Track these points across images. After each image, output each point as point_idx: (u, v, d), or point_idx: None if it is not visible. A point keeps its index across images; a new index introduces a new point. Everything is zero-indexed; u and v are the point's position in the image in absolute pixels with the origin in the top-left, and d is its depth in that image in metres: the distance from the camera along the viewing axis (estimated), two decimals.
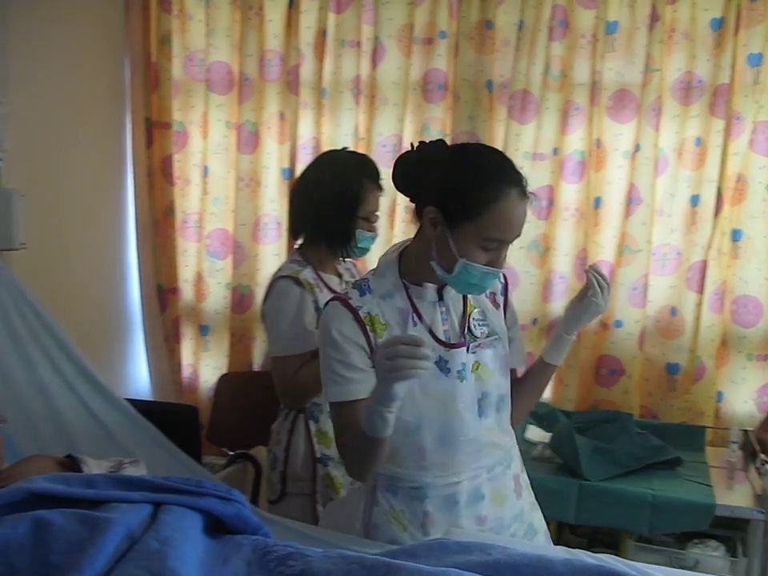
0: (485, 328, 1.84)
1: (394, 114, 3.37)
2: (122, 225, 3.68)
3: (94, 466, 1.69)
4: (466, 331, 1.82)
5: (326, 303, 1.83)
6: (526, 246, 3.29)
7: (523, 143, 3.25)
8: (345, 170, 2.33)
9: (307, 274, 2.31)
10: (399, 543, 1.79)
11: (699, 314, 3.18)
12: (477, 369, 1.82)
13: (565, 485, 2.66)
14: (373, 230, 2.37)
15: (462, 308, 1.84)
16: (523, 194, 1.68)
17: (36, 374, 2.08)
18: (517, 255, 3.27)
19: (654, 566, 1.65)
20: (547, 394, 3.40)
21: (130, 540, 1.30)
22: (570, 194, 3.29)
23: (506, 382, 1.88)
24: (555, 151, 3.26)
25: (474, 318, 1.84)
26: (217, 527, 1.48)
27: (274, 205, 3.54)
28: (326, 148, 3.40)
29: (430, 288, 1.67)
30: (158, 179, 3.62)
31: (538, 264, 3.31)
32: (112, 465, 1.72)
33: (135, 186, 3.67)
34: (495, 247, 1.68)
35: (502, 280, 1.95)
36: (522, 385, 1.97)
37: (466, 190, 1.66)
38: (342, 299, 1.78)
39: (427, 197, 1.71)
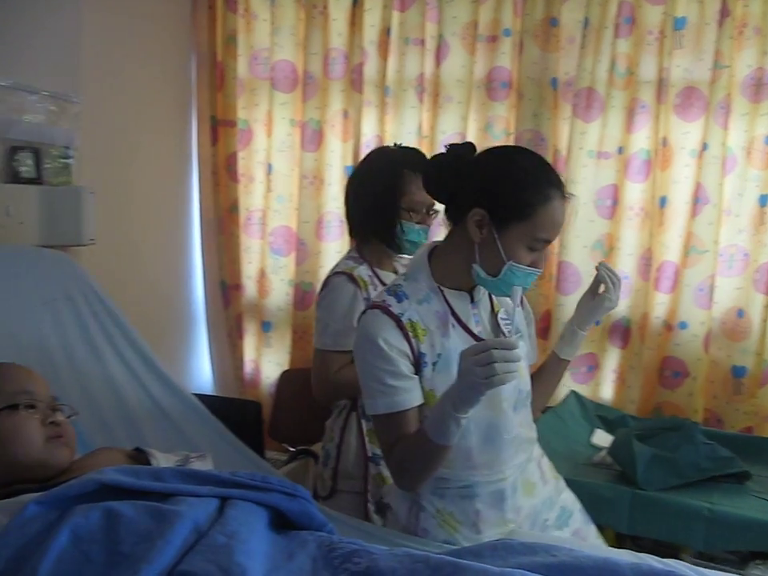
0: (510, 327, 1.79)
1: (458, 112, 3.36)
2: (186, 221, 3.74)
3: (162, 460, 1.72)
4: (497, 330, 1.84)
5: (363, 312, 1.80)
6: (590, 246, 3.26)
7: (588, 141, 3.21)
8: (386, 163, 2.30)
9: (362, 271, 2.28)
10: (452, 544, 1.77)
11: (767, 317, 3.11)
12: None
13: (617, 493, 2.55)
14: (423, 221, 2.28)
15: (489, 308, 1.86)
16: (564, 195, 1.69)
17: (105, 367, 2.12)
18: (581, 254, 3.25)
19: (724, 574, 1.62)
20: (609, 395, 3.38)
21: (197, 533, 1.32)
22: (635, 193, 3.24)
23: (529, 378, 1.90)
24: (620, 150, 3.22)
25: (501, 318, 1.86)
26: (282, 523, 1.49)
27: (337, 203, 3.55)
28: None
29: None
30: (222, 177, 3.67)
31: None
32: (179, 459, 1.74)
33: (200, 184, 3.74)
34: (540, 248, 1.69)
35: None
36: (538, 382, 1.98)
37: (516, 192, 1.66)
38: (382, 307, 1.75)
39: (468, 199, 1.70)
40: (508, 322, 1.86)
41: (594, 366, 3.37)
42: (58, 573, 1.22)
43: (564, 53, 3.26)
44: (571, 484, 2.06)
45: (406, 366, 1.72)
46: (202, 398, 2.37)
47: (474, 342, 1.73)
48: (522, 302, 1.95)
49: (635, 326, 3.30)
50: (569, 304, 3.25)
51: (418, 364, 1.74)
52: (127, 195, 3.24)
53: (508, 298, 1.86)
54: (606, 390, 3.39)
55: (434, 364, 1.74)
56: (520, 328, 1.90)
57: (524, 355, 1.86)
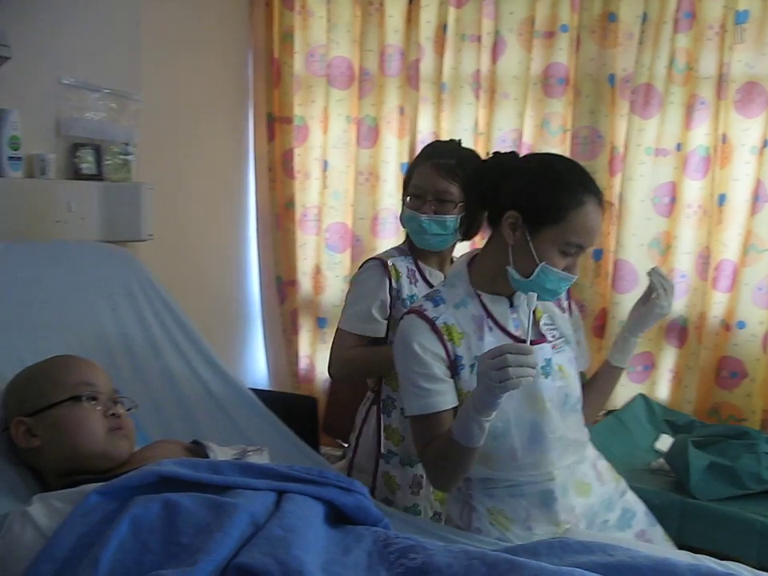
0: (555, 332, 1.86)
1: (514, 108, 3.34)
2: (243, 218, 3.78)
3: (219, 453, 1.73)
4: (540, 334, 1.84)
5: (401, 317, 1.85)
6: (647, 244, 3.23)
7: (646, 138, 3.17)
8: (415, 158, 2.29)
9: (401, 262, 2.24)
10: (505, 542, 1.78)
11: None
12: (559, 369, 1.84)
13: (667, 500, 2.48)
14: (418, 207, 2.16)
15: (532, 313, 1.81)
16: (600, 204, 1.70)
17: (163, 361, 2.14)
18: (637, 253, 3.21)
19: None
20: (665, 395, 3.33)
21: (254, 526, 1.33)
22: (693, 190, 3.20)
23: (578, 384, 1.89)
24: (679, 147, 3.18)
25: (543, 324, 1.86)
26: (337, 517, 1.49)
27: (392, 199, 3.56)
28: None
29: (533, 297, 1.66)
30: (278, 173, 3.70)
31: (659, 262, 3.23)
32: (236, 452, 1.76)
33: (256, 180, 3.78)
34: (573, 253, 1.69)
35: None
36: (591, 389, 1.98)
37: (550, 194, 1.68)
38: (417, 311, 1.79)
39: (504, 202, 1.73)
40: (552, 326, 1.88)
41: (650, 365, 3.33)
42: (118, 561, 1.24)
43: (622, 48, 3.22)
44: None
45: (440, 370, 1.75)
46: (259, 392, 2.39)
47: (518, 341, 1.75)
48: (570, 307, 1.97)
49: (692, 326, 3.25)
50: (625, 302, 3.22)
51: (454, 367, 1.77)
52: (184, 191, 3.28)
53: (552, 304, 1.90)
54: (662, 390, 3.34)
55: (472, 366, 1.76)
56: (565, 333, 1.89)
57: (568, 360, 1.87)
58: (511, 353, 1.51)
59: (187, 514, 1.32)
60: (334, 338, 2.26)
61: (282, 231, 3.73)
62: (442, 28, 3.40)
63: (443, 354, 1.76)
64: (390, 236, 3.60)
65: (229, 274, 3.73)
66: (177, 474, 1.42)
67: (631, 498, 2.01)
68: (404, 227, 2.26)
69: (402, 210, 2.24)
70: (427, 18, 3.43)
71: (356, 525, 1.48)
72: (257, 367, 3.87)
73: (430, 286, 2.23)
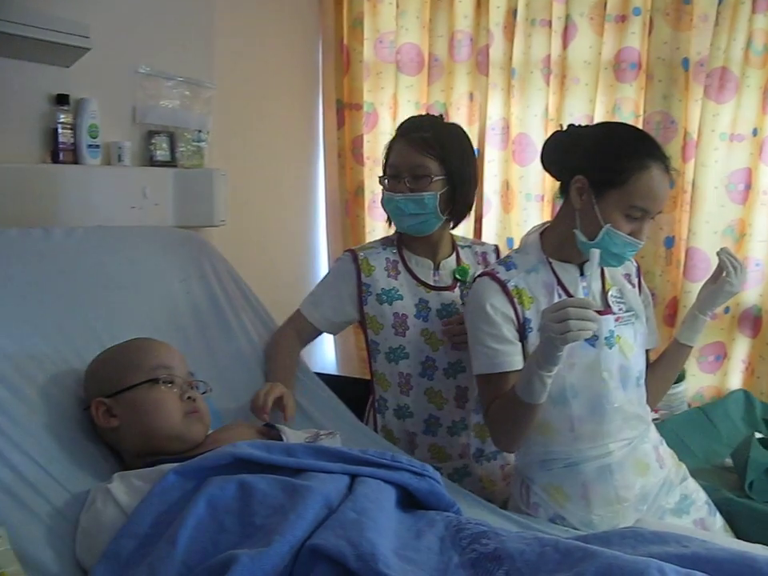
0: (622, 305, 1.92)
1: (585, 94, 3.29)
2: (312, 204, 3.81)
3: (292, 436, 1.75)
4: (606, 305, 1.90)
5: (474, 279, 1.93)
6: (721, 231, 3.16)
7: (720, 124, 3.10)
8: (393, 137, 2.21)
9: (378, 254, 2.19)
10: (562, 518, 1.88)
11: None
12: (618, 341, 1.88)
13: (716, 496, 2.31)
14: (395, 189, 2.09)
15: (600, 285, 1.92)
16: (666, 170, 1.76)
17: (236, 343, 2.16)
18: (711, 240, 3.14)
19: None
20: (736, 386, 3.26)
21: (328, 509, 1.34)
22: None
23: (642, 359, 1.95)
24: (755, 132, 3.10)
25: (611, 295, 1.92)
26: (410, 502, 1.50)
27: None
28: (515, 129, 3.40)
29: (595, 253, 1.69)
30: (348, 159, 3.70)
31: (732, 250, 3.15)
32: (309, 436, 1.77)
33: (326, 166, 3.79)
34: (639, 217, 1.76)
35: (636, 264, 2.05)
36: (658, 367, 2.03)
37: (615, 158, 1.75)
38: (490, 274, 1.88)
39: (573, 168, 1.81)
40: (621, 300, 1.93)
41: (722, 355, 3.27)
42: (195, 540, 1.27)
43: (696, 31, 3.14)
44: None
45: (509, 331, 1.84)
46: (325, 377, 2.41)
47: None
48: (640, 284, 2.03)
49: (766, 315, 3.18)
50: (697, 291, 3.14)
51: (522, 330, 1.85)
52: (256, 178, 3.31)
53: (622, 278, 1.96)
54: (734, 381, 3.28)
55: (531, 331, 1.85)
56: (635, 307, 1.94)
57: (634, 334, 1.92)
58: (573, 306, 1.57)
59: (262, 496, 1.34)
60: (291, 314, 2.28)
61: (351, 217, 3.74)
62: (512, 13, 3.36)
63: (513, 315, 1.84)
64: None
65: (298, 260, 3.76)
66: (251, 455, 1.45)
67: (692, 485, 2.01)
68: (385, 212, 2.19)
69: (382, 194, 2.15)
70: (497, 3, 3.39)
71: (428, 510, 1.49)
72: (326, 352, 3.90)
73: (413, 276, 2.19)
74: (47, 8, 2.12)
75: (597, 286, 1.92)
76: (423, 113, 3.52)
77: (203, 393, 1.73)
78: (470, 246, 2.31)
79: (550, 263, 1.89)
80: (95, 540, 1.37)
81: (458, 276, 2.20)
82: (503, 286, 1.85)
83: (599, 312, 1.80)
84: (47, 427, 1.57)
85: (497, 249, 2.37)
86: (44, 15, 2.07)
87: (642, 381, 1.96)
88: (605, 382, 1.85)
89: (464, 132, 2.20)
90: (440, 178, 2.07)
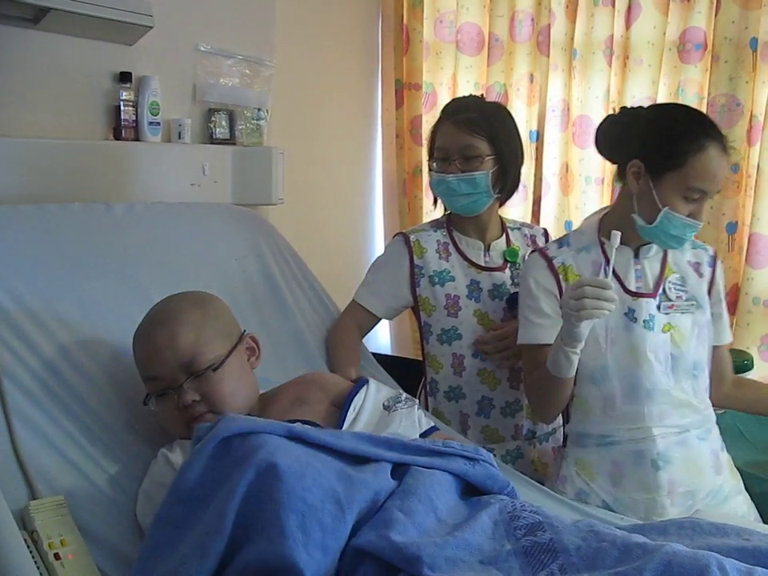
0: (682, 293, 1.90)
1: (648, 75, 3.22)
2: (370, 184, 3.81)
3: (374, 389, 1.67)
4: (660, 291, 1.88)
5: (528, 255, 2.00)
6: None
7: None
8: (437, 120, 2.22)
9: (429, 236, 2.21)
10: (585, 495, 1.90)
11: None
12: (669, 330, 1.86)
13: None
14: (444, 169, 2.11)
15: (659, 270, 1.91)
16: (724, 149, 1.76)
17: (291, 321, 2.17)
18: None
19: None
20: None
21: (373, 503, 1.31)
22: None
23: (703, 351, 1.91)
24: None
25: (670, 282, 1.90)
26: (465, 486, 1.47)
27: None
28: (575, 111, 3.35)
29: (616, 235, 1.72)
30: (406, 140, 3.69)
31: None
32: (392, 396, 1.68)
33: (384, 146, 3.79)
34: (697, 198, 1.76)
35: (711, 253, 2.00)
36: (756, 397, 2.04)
37: (671, 141, 1.75)
38: (540, 250, 1.96)
39: (629, 153, 1.82)
40: (682, 288, 1.91)
41: None
42: (243, 514, 1.23)
43: (766, 10, 3.03)
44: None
45: (548, 306, 1.90)
46: (381, 357, 2.42)
47: (624, 294, 1.86)
48: (713, 278, 1.97)
49: None
50: (759, 278, 3.09)
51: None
52: (314, 157, 3.32)
53: (689, 266, 1.95)
54: None
55: None
56: (696, 297, 1.92)
57: (691, 324, 1.90)
58: (590, 285, 1.64)
59: (316, 473, 1.30)
60: (346, 307, 2.28)
61: (408, 198, 3.72)
62: None
63: (556, 291, 1.90)
64: (518, 204, 3.53)
65: (355, 240, 3.76)
66: (306, 434, 1.41)
67: (741, 500, 1.95)
68: (434, 195, 2.21)
69: (430, 177, 2.18)
70: None
71: (483, 494, 1.46)
72: (381, 332, 3.90)
73: (464, 257, 2.20)
74: None
75: (653, 268, 1.91)
76: (481, 93, 3.49)
77: (210, 369, 1.55)
78: (519, 228, 2.33)
79: (602, 244, 1.90)
80: (153, 501, 1.40)
81: (507, 257, 2.21)
82: (549, 261, 1.91)
83: (640, 294, 1.87)
84: (107, 402, 1.60)
85: (546, 232, 2.40)
86: None
87: (702, 373, 1.92)
88: (648, 363, 1.84)
89: (507, 111, 2.25)
90: (490, 156, 2.11)
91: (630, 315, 1.86)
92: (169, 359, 1.52)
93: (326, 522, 1.22)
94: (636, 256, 1.89)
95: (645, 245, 1.89)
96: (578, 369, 1.78)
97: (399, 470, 1.41)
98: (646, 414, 1.84)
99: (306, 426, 1.46)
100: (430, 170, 2.19)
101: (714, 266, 1.98)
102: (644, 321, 1.85)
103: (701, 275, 1.95)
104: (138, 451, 1.57)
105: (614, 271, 1.82)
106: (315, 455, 1.35)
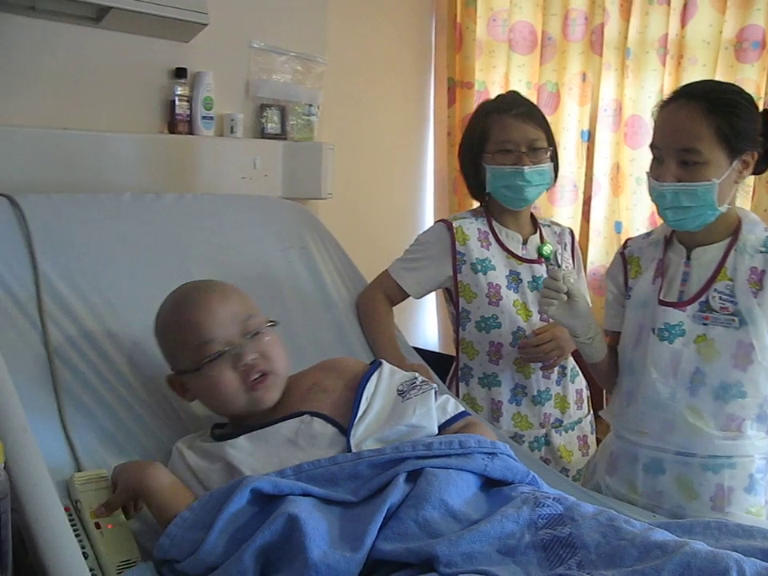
0: (729, 304, 1.74)
1: (703, 75, 3.18)
2: (420, 182, 3.83)
3: (388, 374, 1.67)
4: (702, 298, 1.77)
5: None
6: None
7: None
8: (475, 114, 2.28)
9: (471, 224, 2.23)
10: (578, 473, 2.14)
11: None
12: (700, 341, 1.76)
13: None
14: (510, 161, 2.14)
15: (711, 274, 1.78)
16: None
17: (334, 312, 2.20)
18: None
19: None
20: None
21: (389, 510, 1.31)
22: None
23: (739, 373, 1.74)
24: None
25: (717, 290, 1.76)
26: (485, 480, 1.46)
27: (572, 167, 3.49)
28: (627, 111, 3.33)
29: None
30: (457, 138, 3.66)
31: None
32: (407, 380, 1.67)
33: (435, 144, 3.81)
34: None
35: None
36: None
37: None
38: (626, 240, 2.02)
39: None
40: (730, 298, 1.74)
41: None
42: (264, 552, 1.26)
43: None
44: None
45: (612, 294, 1.97)
46: (425, 353, 2.45)
47: (657, 296, 1.83)
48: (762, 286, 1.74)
49: None
50: None
51: (624, 294, 1.94)
52: (364, 153, 3.36)
53: (750, 275, 1.75)
54: None
55: (635, 301, 1.90)
56: (743, 312, 1.73)
57: (729, 339, 1.74)
58: (548, 279, 1.83)
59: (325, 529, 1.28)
60: (377, 277, 2.30)
61: (459, 195, 3.73)
62: None
63: (622, 281, 1.94)
64: (569, 204, 3.54)
65: (404, 237, 3.74)
66: (313, 492, 1.36)
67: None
68: (491, 189, 2.21)
69: (485, 171, 2.19)
70: None
71: (503, 486, 1.44)
72: (428, 329, 3.92)
73: (504, 248, 2.24)
74: None
75: (704, 272, 1.78)
76: (535, 92, 3.51)
77: (269, 325, 1.60)
78: (549, 226, 2.37)
79: (666, 240, 1.86)
80: None
81: (542, 253, 2.20)
82: (623, 250, 1.97)
83: (665, 303, 1.81)
84: (144, 379, 1.68)
85: (571, 232, 2.43)
86: None
87: (728, 395, 1.75)
88: (648, 374, 1.80)
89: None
90: (551, 149, 2.20)
91: (651, 321, 1.82)
92: (226, 319, 1.53)
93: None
94: (688, 258, 1.82)
95: (700, 246, 1.80)
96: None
97: (413, 473, 1.40)
98: (639, 420, 1.84)
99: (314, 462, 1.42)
100: (475, 160, 2.22)
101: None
102: (659, 330, 1.80)
103: (761, 287, 1.73)
104: (171, 429, 1.65)
105: (663, 276, 1.82)
106: (323, 515, 1.32)
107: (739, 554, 1.17)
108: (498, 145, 2.17)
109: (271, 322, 1.61)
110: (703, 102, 1.68)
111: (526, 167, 2.13)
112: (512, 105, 2.20)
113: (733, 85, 1.88)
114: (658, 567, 1.14)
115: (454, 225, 2.23)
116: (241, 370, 1.52)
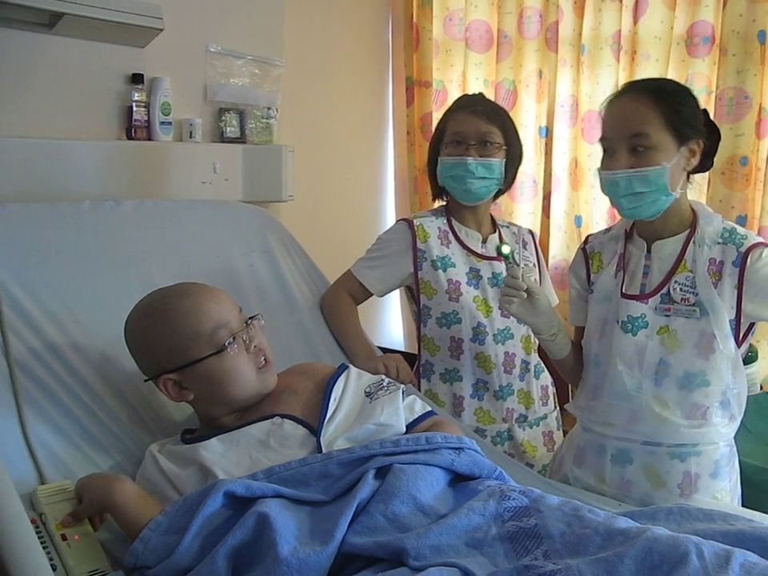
0: (690, 296, 1.78)
1: (656, 70, 3.23)
2: (381, 181, 3.86)
3: (355, 377, 1.71)
4: (663, 290, 1.81)
5: None
6: None
7: None
8: (445, 111, 2.32)
9: (431, 222, 2.28)
10: (547, 464, 2.16)
11: None
12: (663, 333, 1.80)
13: (762, 477, 2.30)
14: (458, 153, 2.19)
15: (670, 267, 1.82)
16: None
17: (297, 315, 2.21)
18: None
19: None
20: None
21: (358, 506, 1.33)
22: None
23: (702, 362, 1.78)
24: None
25: (677, 281, 1.80)
26: (453, 475, 1.48)
27: (531, 163, 3.52)
28: (584, 106, 3.37)
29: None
30: (417, 137, 3.73)
31: None
32: (374, 382, 1.71)
33: (395, 144, 3.83)
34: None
35: (742, 249, 1.76)
36: None
37: None
38: (587, 236, 2.05)
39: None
40: (690, 290, 1.78)
41: None
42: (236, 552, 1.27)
43: None
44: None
45: (575, 290, 2.00)
46: (388, 351, 2.45)
47: (620, 290, 1.86)
48: (741, 277, 1.76)
49: None
50: None
51: (587, 289, 1.97)
52: (324, 154, 3.37)
53: (710, 266, 1.78)
54: None
55: (591, 293, 1.94)
56: (704, 302, 1.76)
57: (690, 330, 1.77)
58: (508, 278, 1.86)
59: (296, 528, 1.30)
60: (340, 277, 2.32)
61: (420, 194, 3.76)
62: None
63: (584, 275, 1.98)
64: (529, 200, 3.58)
65: (366, 237, 3.74)
66: (281, 492, 1.37)
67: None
68: (441, 181, 2.27)
69: (438, 164, 2.25)
70: None
71: (469, 480, 1.48)
72: (393, 328, 3.94)
73: (464, 246, 2.28)
74: None
75: (664, 265, 1.82)
76: (492, 90, 3.54)
77: (255, 319, 1.67)
78: (507, 227, 2.41)
79: (626, 234, 1.90)
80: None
81: (501, 252, 2.24)
82: (584, 246, 2.00)
83: (628, 296, 1.84)
84: (112, 388, 1.67)
85: (531, 232, 2.47)
86: None
87: (693, 384, 1.79)
88: (613, 366, 1.84)
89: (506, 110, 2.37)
90: (503, 146, 2.21)
91: (614, 314, 1.85)
92: (230, 306, 1.62)
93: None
94: (648, 251, 1.85)
95: (660, 239, 1.83)
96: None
97: (382, 469, 1.42)
98: (606, 412, 1.87)
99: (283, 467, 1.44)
100: (436, 156, 2.26)
101: (742, 266, 1.75)
102: (623, 322, 1.83)
103: (720, 277, 1.77)
104: (140, 438, 1.64)
105: (625, 269, 1.86)
106: (292, 515, 1.34)
107: (699, 537, 1.20)
108: (450, 137, 2.23)
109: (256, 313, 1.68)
110: (648, 92, 1.74)
111: (470, 158, 2.17)
112: (473, 103, 2.25)
113: (673, 80, 1.98)
114: (620, 553, 1.16)
115: (414, 223, 2.27)
116: (252, 352, 1.61)
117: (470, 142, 2.19)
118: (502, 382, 2.25)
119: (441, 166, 2.24)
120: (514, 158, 2.26)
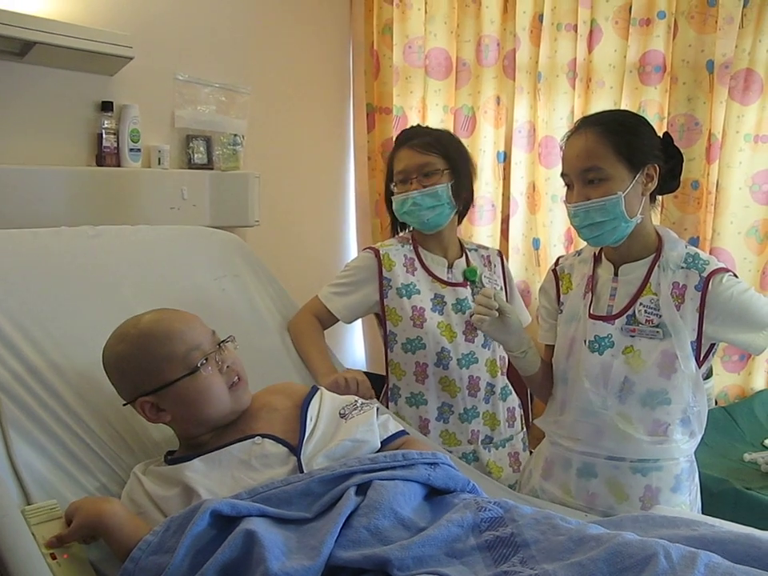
0: (654, 317, 1.85)
1: (610, 97, 3.35)
2: (344, 205, 3.91)
3: (329, 400, 1.74)
4: (629, 312, 1.88)
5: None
6: (745, 233, 3.19)
7: (745, 125, 3.13)
8: (392, 149, 2.39)
9: (399, 251, 2.34)
10: (521, 480, 2.17)
11: None
12: (628, 353, 1.87)
13: (722, 488, 2.43)
14: (408, 189, 2.26)
15: (636, 290, 1.89)
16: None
17: (269, 339, 2.24)
18: (735, 241, 3.18)
19: None
20: (761, 385, 3.28)
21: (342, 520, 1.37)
22: None
23: (664, 381, 1.84)
24: None
25: (642, 304, 1.87)
26: (429, 489, 1.53)
27: (489, 187, 3.62)
28: (541, 132, 3.46)
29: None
30: (377, 162, 3.78)
31: (757, 251, 3.21)
32: (347, 404, 1.74)
33: (356, 169, 3.88)
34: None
35: (705, 274, 1.82)
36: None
37: None
38: (558, 257, 2.11)
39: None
40: (655, 312, 1.85)
41: (746, 355, 3.29)
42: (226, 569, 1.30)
43: (722, 33, 3.15)
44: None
45: (545, 309, 2.07)
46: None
47: (588, 310, 1.92)
48: (703, 300, 1.80)
49: None
50: None
51: (557, 309, 2.02)
52: (288, 180, 3.42)
53: (673, 290, 1.84)
54: (759, 380, 3.31)
55: (565, 315, 1.99)
56: (667, 324, 1.82)
57: (654, 350, 1.83)
58: (480, 297, 1.88)
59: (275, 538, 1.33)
60: (308, 301, 2.36)
61: (381, 217, 3.79)
62: (538, 18, 3.44)
63: (554, 295, 2.04)
64: (488, 223, 3.66)
65: (330, 259, 3.85)
66: (266, 512, 1.39)
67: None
68: (399, 217, 2.34)
69: (393, 202, 2.32)
70: (523, 8, 3.47)
71: (445, 494, 1.52)
72: (356, 349, 3.98)
73: (429, 273, 2.34)
74: (93, 21, 2.23)
75: (630, 288, 1.89)
76: (451, 116, 3.61)
77: (228, 341, 1.72)
78: (476, 249, 2.47)
79: (595, 258, 1.97)
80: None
81: (468, 276, 2.34)
82: (555, 268, 2.06)
83: (595, 317, 1.91)
84: (93, 410, 1.69)
85: (500, 253, 2.53)
86: (90, 28, 2.19)
87: (656, 402, 1.86)
88: (579, 384, 1.90)
89: (454, 135, 2.46)
90: (447, 169, 2.27)
91: (582, 333, 1.92)
92: (202, 329, 1.67)
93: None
94: (615, 274, 1.92)
95: (626, 263, 1.91)
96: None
97: (362, 485, 1.47)
98: (572, 428, 1.94)
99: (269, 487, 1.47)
100: (391, 195, 2.33)
101: (704, 289, 1.82)
102: (590, 342, 1.90)
103: (682, 300, 1.84)
104: (123, 459, 1.67)
105: (593, 291, 1.93)
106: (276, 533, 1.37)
107: (666, 541, 1.26)
108: (396, 176, 2.30)
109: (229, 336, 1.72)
110: (599, 126, 1.83)
111: (414, 192, 2.24)
112: (412, 137, 2.31)
113: (626, 110, 2.05)
114: (593, 557, 1.22)
115: (381, 252, 2.33)
116: (225, 372, 1.65)
117: (412, 176, 2.26)
118: (466, 405, 2.30)
119: (395, 204, 2.31)
120: (462, 176, 2.31)
